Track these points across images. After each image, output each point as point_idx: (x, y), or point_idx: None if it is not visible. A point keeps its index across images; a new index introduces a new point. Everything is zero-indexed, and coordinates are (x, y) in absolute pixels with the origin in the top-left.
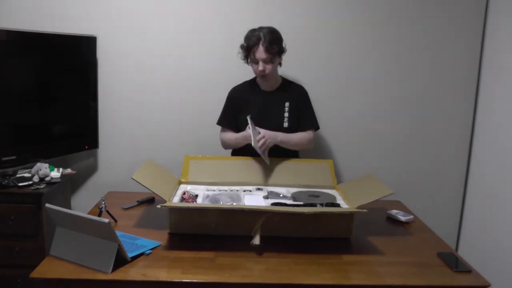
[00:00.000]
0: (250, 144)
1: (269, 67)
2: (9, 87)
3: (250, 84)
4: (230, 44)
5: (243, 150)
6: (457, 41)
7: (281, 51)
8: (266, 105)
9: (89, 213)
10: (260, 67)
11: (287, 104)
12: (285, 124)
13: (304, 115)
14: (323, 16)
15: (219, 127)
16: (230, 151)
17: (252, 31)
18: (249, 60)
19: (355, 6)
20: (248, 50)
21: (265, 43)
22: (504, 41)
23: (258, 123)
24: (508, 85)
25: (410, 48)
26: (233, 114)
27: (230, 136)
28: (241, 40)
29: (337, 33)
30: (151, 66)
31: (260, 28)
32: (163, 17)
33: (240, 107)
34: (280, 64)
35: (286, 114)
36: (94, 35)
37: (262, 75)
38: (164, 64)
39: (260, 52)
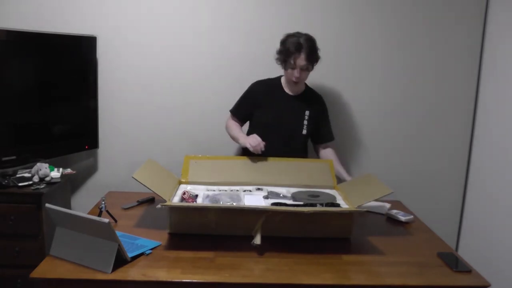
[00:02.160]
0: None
1: (305, 74)
2: (9, 87)
3: (274, 83)
4: (231, 44)
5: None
6: (457, 41)
7: (317, 59)
8: (287, 109)
9: (89, 213)
10: (297, 73)
11: (307, 112)
12: (304, 131)
13: (325, 127)
14: (325, 16)
15: (222, 120)
16: (231, 151)
17: (291, 36)
18: (285, 65)
19: (356, 7)
20: (288, 55)
21: (306, 50)
22: (504, 41)
23: (275, 124)
24: (508, 85)
25: (410, 49)
26: (249, 106)
27: (235, 129)
28: (241, 42)
29: (337, 34)
30: (151, 66)
31: (299, 34)
32: (163, 17)
33: (261, 102)
34: None
35: (305, 122)
36: (94, 35)
37: (296, 81)
38: (164, 64)
39: (301, 59)
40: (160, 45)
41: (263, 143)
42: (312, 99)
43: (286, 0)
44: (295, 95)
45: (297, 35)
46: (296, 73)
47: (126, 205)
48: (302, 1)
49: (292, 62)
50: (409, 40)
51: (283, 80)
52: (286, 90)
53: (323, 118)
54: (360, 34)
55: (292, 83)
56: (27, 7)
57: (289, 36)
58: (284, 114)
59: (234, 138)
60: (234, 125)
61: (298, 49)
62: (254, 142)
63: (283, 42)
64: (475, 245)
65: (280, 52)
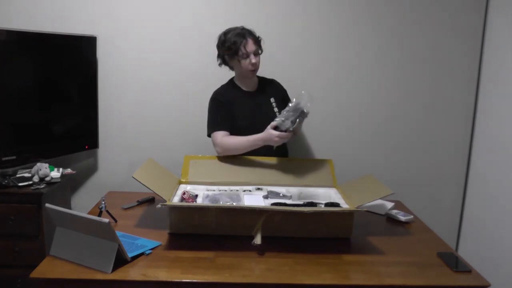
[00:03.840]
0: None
1: (258, 59)
2: (9, 87)
3: (231, 87)
4: None
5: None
6: (457, 42)
7: (260, 41)
8: (255, 106)
9: (89, 213)
10: (253, 59)
11: (272, 99)
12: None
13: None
14: (323, 17)
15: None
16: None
17: (227, 32)
18: (238, 58)
19: (355, 6)
20: (237, 46)
21: (250, 35)
22: (504, 41)
23: (252, 124)
24: (508, 84)
25: (410, 49)
26: (226, 113)
27: (240, 139)
28: None
29: (338, 33)
30: (151, 66)
31: (233, 28)
32: (163, 17)
33: (231, 109)
34: None
35: (276, 109)
36: (94, 35)
37: (253, 69)
38: (164, 63)
39: (250, 45)
40: (160, 45)
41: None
42: (271, 86)
43: (287, 1)
44: (254, 90)
45: (232, 29)
46: (252, 59)
47: (126, 205)
48: (299, 2)
49: (243, 50)
50: (410, 40)
51: (236, 81)
52: (244, 88)
53: (287, 97)
54: (360, 35)
55: (248, 76)
56: (27, 7)
57: (226, 33)
58: (255, 111)
59: (246, 148)
60: (237, 138)
61: (243, 36)
62: (280, 137)
63: (224, 41)
64: (475, 245)
65: (227, 49)
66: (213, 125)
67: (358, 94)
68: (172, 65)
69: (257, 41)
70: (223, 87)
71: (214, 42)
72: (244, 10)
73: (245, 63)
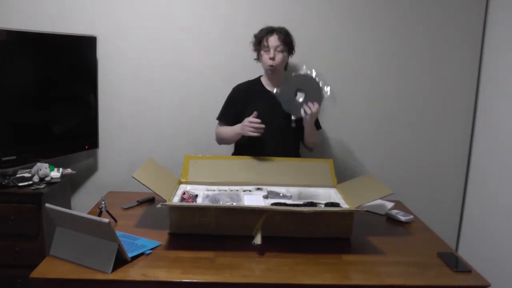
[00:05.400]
0: (251, 145)
1: (279, 57)
2: (9, 87)
3: (255, 83)
4: (230, 43)
5: (244, 150)
6: (457, 41)
7: (291, 48)
8: (273, 105)
9: (89, 213)
10: (271, 54)
11: None
12: (293, 124)
13: None
14: (323, 18)
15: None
16: (230, 150)
17: (265, 28)
18: (260, 53)
19: (355, 6)
20: (261, 38)
21: (279, 32)
22: (504, 41)
23: (264, 121)
24: (508, 85)
25: (411, 48)
26: (234, 111)
27: (225, 129)
28: (241, 40)
29: (337, 33)
30: (151, 66)
31: (273, 26)
32: (163, 17)
33: (245, 104)
34: (286, 66)
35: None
36: (94, 35)
37: (272, 66)
38: (164, 63)
39: (274, 39)
40: (160, 45)
41: (258, 120)
42: None
43: (283, 0)
44: None
45: (271, 26)
46: (271, 53)
47: (126, 205)
48: (299, 2)
49: (265, 43)
50: (410, 41)
51: (262, 79)
52: (267, 87)
53: None
54: (360, 34)
55: (268, 72)
56: (27, 7)
57: (264, 28)
58: (271, 110)
59: (228, 137)
60: (224, 127)
61: (271, 31)
62: (250, 124)
63: (258, 32)
64: (475, 245)
65: (254, 38)
66: (220, 113)
67: (358, 94)
68: (172, 65)
69: (285, 40)
70: (247, 82)
71: (214, 42)
72: (244, 10)
73: (265, 56)
